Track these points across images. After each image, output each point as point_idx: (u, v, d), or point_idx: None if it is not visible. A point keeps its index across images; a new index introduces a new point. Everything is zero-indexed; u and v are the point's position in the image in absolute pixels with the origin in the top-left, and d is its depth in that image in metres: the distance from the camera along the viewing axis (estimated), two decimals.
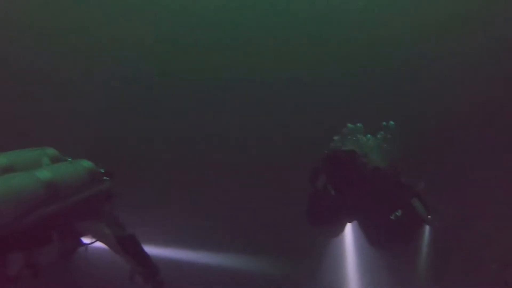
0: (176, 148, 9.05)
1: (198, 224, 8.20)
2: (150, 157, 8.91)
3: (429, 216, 3.87)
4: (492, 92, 8.07)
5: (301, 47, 9.61)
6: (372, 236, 4.01)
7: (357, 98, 8.40)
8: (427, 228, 4.51)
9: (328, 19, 9.29)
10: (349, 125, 4.57)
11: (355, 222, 4.33)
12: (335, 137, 4.54)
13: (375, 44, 9.01)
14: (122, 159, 8.29)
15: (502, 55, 8.09)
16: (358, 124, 4.50)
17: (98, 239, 3.68)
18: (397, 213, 3.69)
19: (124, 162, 8.25)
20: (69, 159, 3.61)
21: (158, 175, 8.74)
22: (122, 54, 9.23)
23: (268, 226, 7.89)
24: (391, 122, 4.43)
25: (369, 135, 4.41)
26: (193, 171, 8.86)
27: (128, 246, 3.70)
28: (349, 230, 4.93)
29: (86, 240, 3.67)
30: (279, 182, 7.78)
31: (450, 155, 7.81)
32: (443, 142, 7.91)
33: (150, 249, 4.52)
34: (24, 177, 2.99)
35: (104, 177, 3.78)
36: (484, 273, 6.59)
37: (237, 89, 9.20)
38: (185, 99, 9.25)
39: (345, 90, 8.81)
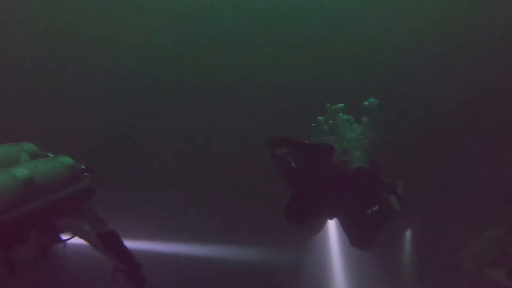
0: (173, 145, 9.10)
1: (185, 219, 8.24)
2: (140, 154, 8.93)
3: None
4: (474, 95, 8.00)
5: (296, 47, 9.59)
6: (352, 235, 3.95)
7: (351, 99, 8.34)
8: (408, 231, 4.49)
9: (323, 20, 9.25)
10: (328, 104, 4.34)
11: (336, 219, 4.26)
12: (318, 119, 4.31)
13: (369, 45, 8.93)
14: (110, 155, 8.39)
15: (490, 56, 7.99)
16: (340, 104, 4.31)
17: (78, 236, 3.67)
18: (374, 208, 3.66)
19: (112, 159, 8.36)
20: (49, 155, 3.62)
21: (151, 171, 8.77)
22: (109, 54, 9.27)
23: (258, 221, 7.88)
24: (372, 99, 4.19)
25: (350, 116, 4.20)
26: (182, 166, 8.89)
27: (109, 242, 3.68)
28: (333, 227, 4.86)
29: (64, 236, 3.66)
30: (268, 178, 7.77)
31: (430, 158, 7.74)
32: (423, 145, 7.85)
33: (136, 244, 4.52)
34: (0, 175, 3.00)
35: (85, 173, 3.76)
36: (461, 273, 6.56)
37: (230, 89, 9.19)
38: (169, 98, 9.29)
39: (339, 91, 8.76)
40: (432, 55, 8.63)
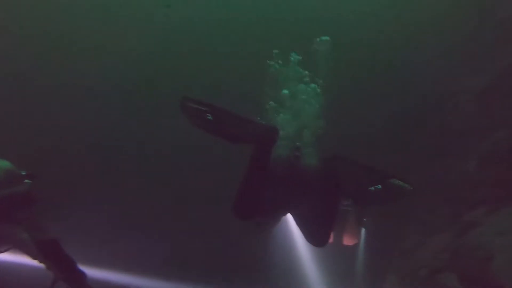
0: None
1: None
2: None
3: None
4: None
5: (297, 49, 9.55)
6: (310, 232, 3.88)
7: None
8: (362, 232, 4.46)
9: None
10: (275, 51, 4.03)
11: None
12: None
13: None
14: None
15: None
16: (293, 53, 4.02)
17: (15, 245, 3.50)
18: (377, 186, 3.62)
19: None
20: None
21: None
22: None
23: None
24: (325, 38, 4.00)
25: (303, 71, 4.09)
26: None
27: (48, 250, 3.52)
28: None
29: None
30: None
31: (385, 160, 7.85)
32: (378, 147, 7.94)
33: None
34: None
35: (26, 180, 3.62)
36: (414, 279, 6.59)
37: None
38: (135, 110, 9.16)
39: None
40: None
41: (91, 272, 3.90)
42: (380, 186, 3.71)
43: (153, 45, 9.39)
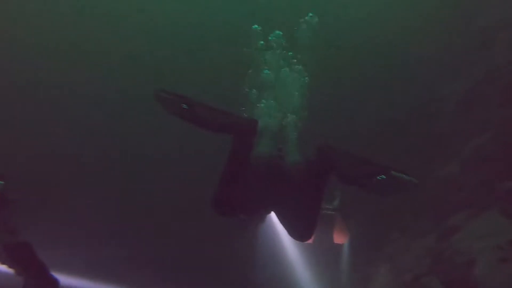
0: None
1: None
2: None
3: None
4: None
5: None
6: (294, 227, 3.81)
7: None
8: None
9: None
10: (255, 27, 4.02)
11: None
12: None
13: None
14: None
15: None
16: (277, 32, 3.96)
17: None
18: (382, 176, 3.54)
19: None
20: None
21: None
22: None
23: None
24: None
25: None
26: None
27: (18, 255, 3.34)
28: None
29: None
30: None
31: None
32: (362, 150, 7.96)
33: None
34: None
35: None
36: (399, 283, 6.60)
37: None
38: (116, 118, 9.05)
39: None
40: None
41: (65, 279, 3.75)
42: (384, 177, 3.65)
43: (149, 46, 9.32)
